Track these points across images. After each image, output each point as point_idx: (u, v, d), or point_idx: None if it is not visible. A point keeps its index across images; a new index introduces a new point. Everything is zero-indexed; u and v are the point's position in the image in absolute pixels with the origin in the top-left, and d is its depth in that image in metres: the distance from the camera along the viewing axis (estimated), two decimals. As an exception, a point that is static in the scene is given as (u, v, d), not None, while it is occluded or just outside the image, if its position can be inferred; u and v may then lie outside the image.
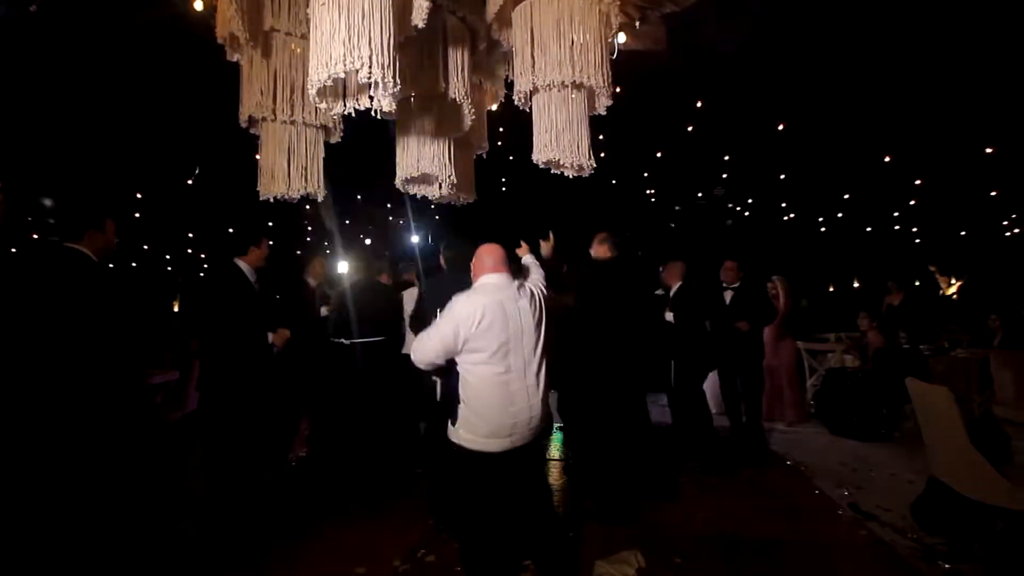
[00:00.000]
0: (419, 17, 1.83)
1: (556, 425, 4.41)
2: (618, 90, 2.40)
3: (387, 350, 3.98)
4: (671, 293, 4.43)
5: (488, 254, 2.39)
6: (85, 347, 2.25)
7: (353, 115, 1.94)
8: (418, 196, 2.76)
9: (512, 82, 2.27)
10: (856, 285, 12.70)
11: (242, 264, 3.14)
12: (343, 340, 3.95)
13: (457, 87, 2.35)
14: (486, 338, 2.19)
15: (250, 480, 3.15)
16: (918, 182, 8.58)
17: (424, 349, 2.30)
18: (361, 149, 4.54)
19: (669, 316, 4.35)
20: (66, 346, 2.21)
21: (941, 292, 12.04)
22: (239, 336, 3.02)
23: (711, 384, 5.03)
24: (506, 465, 2.27)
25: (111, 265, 2.64)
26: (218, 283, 3.11)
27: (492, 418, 2.21)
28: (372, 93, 1.76)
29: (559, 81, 2.07)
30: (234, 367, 3.00)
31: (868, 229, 10.91)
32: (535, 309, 2.32)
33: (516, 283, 2.38)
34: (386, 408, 3.89)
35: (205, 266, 12.38)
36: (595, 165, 2.22)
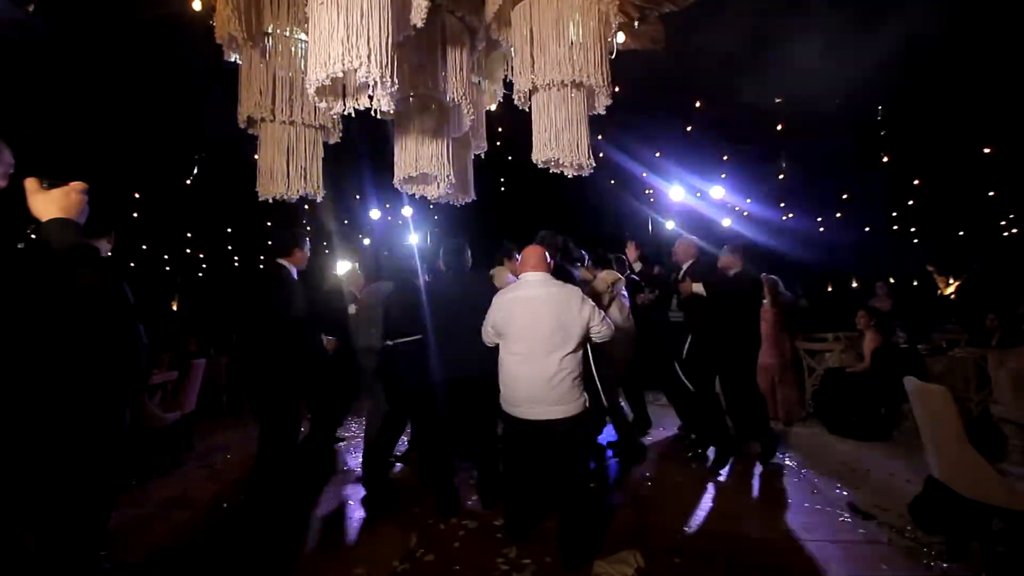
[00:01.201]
0: (418, 17, 1.83)
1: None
2: (617, 89, 2.40)
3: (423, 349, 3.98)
4: (682, 271, 4.44)
5: (530, 255, 2.89)
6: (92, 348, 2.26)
7: (352, 115, 1.94)
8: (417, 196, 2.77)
9: (511, 82, 2.27)
10: (855, 285, 12.71)
11: (286, 264, 3.27)
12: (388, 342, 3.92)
13: (456, 87, 2.35)
14: (506, 324, 2.78)
15: (288, 476, 3.26)
16: (916, 182, 8.60)
17: (483, 331, 2.96)
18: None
19: (697, 287, 4.23)
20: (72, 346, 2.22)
21: (939, 292, 12.05)
22: (289, 332, 3.07)
23: None
24: (526, 430, 2.74)
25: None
26: (268, 281, 3.25)
27: (508, 389, 2.79)
28: (371, 93, 1.76)
29: (558, 80, 2.08)
30: (284, 362, 3.06)
31: (867, 229, 10.92)
32: (562, 310, 2.68)
33: (554, 283, 2.79)
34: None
35: (204, 266, 12.38)
36: (594, 164, 2.22)
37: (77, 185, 1.31)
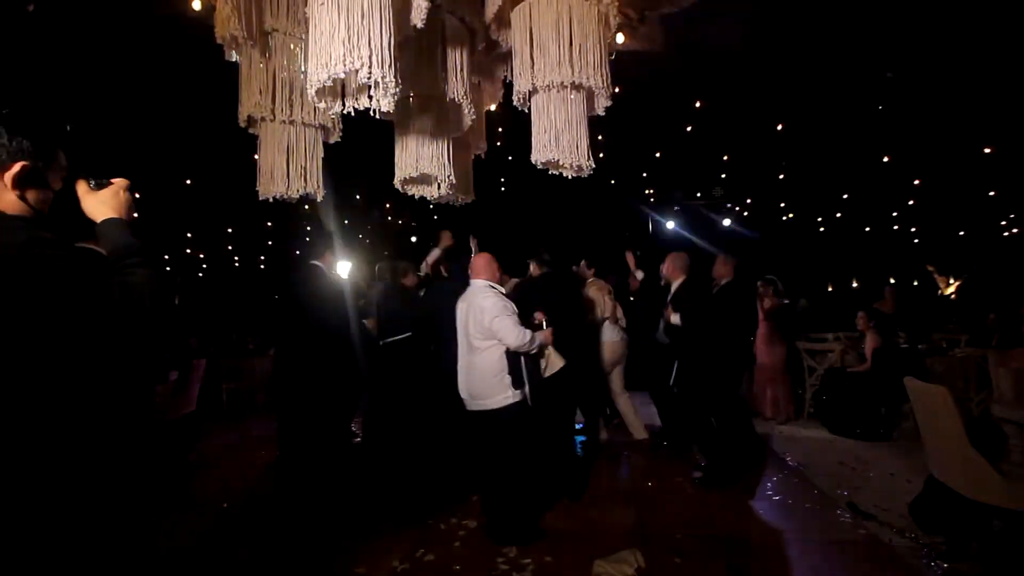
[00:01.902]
0: (418, 17, 1.83)
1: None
2: (617, 90, 2.40)
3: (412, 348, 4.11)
4: (672, 289, 4.26)
5: (474, 262, 3.22)
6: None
7: (352, 115, 1.94)
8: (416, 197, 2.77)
9: (511, 82, 2.27)
10: (855, 285, 12.71)
11: (321, 264, 3.52)
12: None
13: (456, 87, 2.35)
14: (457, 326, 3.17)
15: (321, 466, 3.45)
16: (916, 182, 8.59)
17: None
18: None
19: (675, 318, 4.13)
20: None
21: (940, 292, 12.05)
22: (335, 327, 3.22)
23: None
24: (471, 417, 3.14)
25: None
26: (309, 280, 3.47)
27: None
28: (371, 93, 1.76)
29: (558, 82, 2.07)
30: (328, 357, 3.25)
31: (867, 229, 10.92)
32: (474, 314, 3.01)
33: (485, 290, 3.07)
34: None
35: (204, 266, 12.37)
36: (594, 165, 2.22)
37: (123, 183, 1.33)
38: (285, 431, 3.97)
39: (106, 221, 1.27)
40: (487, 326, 2.95)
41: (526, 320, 3.67)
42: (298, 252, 11.86)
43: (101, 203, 1.28)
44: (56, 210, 1.29)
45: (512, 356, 2.98)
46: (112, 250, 1.24)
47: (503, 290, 3.19)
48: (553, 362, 3.33)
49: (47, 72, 4.35)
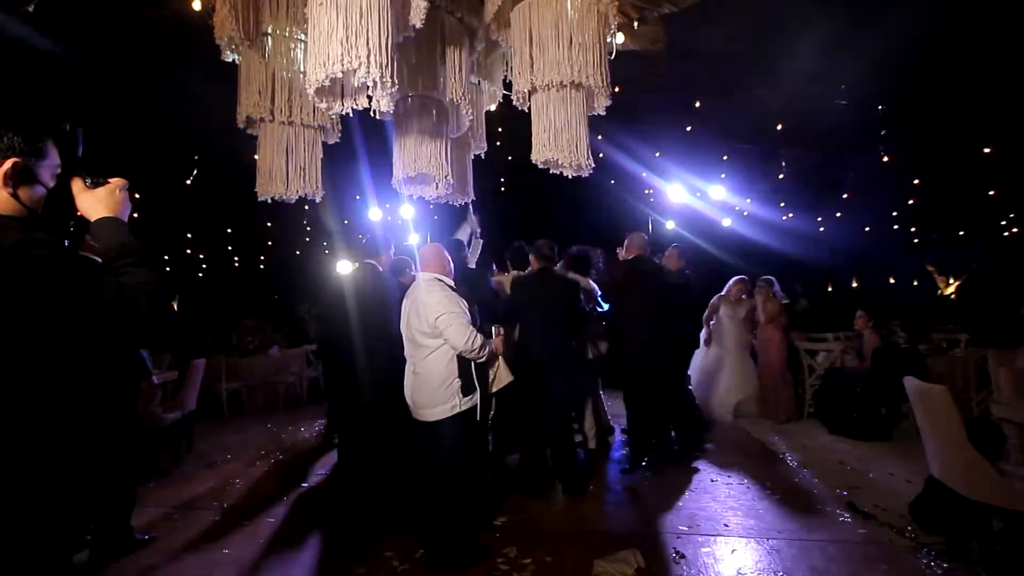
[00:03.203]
0: (417, 17, 1.83)
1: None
2: (617, 90, 2.40)
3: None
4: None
5: (422, 254, 2.95)
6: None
7: (351, 115, 1.94)
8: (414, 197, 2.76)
9: (511, 82, 2.27)
10: (855, 285, 12.71)
11: (376, 264, 3.65)
12: None
13: (455, 87, 2.35)
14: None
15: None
16: (917, 182, 8.59)
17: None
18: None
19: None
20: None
21: (939, 292, 12.06)
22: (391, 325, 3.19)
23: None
24: (418, 426, 2.79)
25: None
26: (368, 279, 3.57)
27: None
28: (370, 93, 1.76)
29: (558, 81, 2.07)
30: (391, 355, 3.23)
31: (867, 229, 10.91)
32: (419, 309, 2.73)
33: (432, 284, 2.80)
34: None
35: (204, 266, 12.38)
36: (593, 165, 2.22)
37: (120, 182, 1.31)
38: (348, 429, 3.88)
39: (101, 220, 1.25)
40: (432, 323, 2.66)
41: (521, 317, 3.62)
42: (298, 252, 11.88)
43: (97, 202, 1.26)
44: (51, 208, 1.27)
45: (463, 360, 2.70)
46: (107, 250, 1.21)
47: (452, 284, 2.87)
48: (501, 376, 3.10)
49: (43, 70, 4.35)
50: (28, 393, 1.09)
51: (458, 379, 2.68)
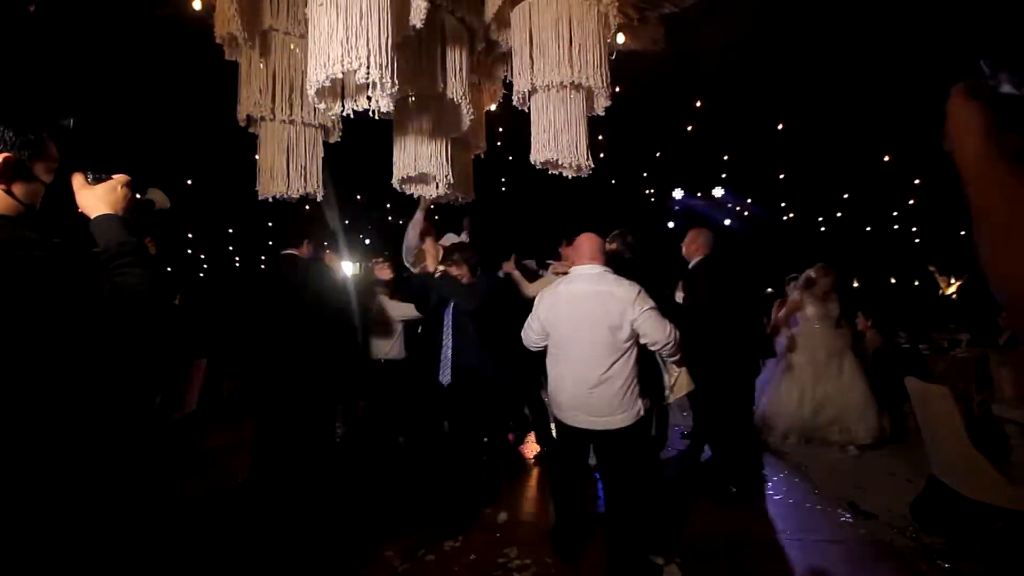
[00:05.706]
0: (417, 17, 1.83)
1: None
2: (617, 90, 2.40)
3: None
4: (690, 266, 3.84)
5: (582, 243, 2.58)
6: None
7: (351, 115, 1.94)
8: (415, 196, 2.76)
9: (511, 82, 2.27)
10: (855, 285, 12.70)
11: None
12: None
13: (455, 87, 2.35)
14: (551, 323, 2.55)
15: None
16: (917, 182, 8.58)
17: (524, 333, 2.72)
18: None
19: (679, 296, 3.92)
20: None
21: (940, 292, 12.04)
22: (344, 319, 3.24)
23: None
24: (571, 436, 2.58)
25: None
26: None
27: (554, 391, 2.60)
28: (370, 93, 1.76)
29: (558, 81, 2.07)
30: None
31: (867, 229, 10.91)
32: (609, 307, 2.39)
33: (606, 278, 2.48)
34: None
35: (205, 266, 12.38)
36: (593, 165, 2.22)
37: (122, 178, 1.27)
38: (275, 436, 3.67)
39: (101, 217, 1.21)
40: (635, 318, 2.35)
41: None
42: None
43: (97, 198, 1.23)
44: (50, 205, 1.24)
45: (643, 362, 2.48)
46: (105, 248, 1.18)
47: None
48: (682, 382, 2.83)
49: (42, 68, 4.34)
50: (20, 394, 1.06)
51: (638, 384, 2.47)
